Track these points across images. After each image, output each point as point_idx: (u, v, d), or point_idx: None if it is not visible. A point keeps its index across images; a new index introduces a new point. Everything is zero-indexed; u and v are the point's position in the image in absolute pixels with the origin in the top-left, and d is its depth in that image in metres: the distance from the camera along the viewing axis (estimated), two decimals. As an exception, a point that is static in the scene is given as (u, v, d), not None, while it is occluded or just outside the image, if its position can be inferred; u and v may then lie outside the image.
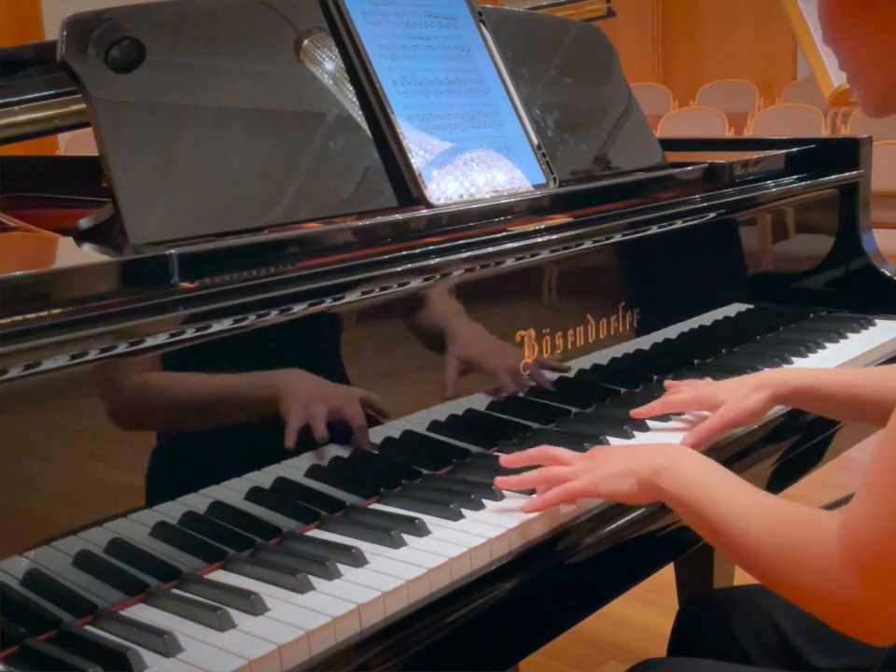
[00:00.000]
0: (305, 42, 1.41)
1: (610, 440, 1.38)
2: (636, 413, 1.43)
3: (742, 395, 1.37)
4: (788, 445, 1.54)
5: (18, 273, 0.98)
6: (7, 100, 1.64)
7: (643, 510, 1.23)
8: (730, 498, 1.05)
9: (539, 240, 1.43)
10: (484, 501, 1.20)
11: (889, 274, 2.03)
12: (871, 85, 1.01)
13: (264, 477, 1.14)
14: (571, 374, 1.51)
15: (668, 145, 1.92)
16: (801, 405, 1.43)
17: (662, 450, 1.20)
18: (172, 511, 1.07)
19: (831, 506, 2.63)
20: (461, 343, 1.34)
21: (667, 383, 1.49)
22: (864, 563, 0.90)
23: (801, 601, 0.98)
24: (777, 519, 1.00)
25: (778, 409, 1.48)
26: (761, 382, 1.39)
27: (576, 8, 2.17)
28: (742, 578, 1.67)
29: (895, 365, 1.47)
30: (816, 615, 0.98)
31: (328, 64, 1.41)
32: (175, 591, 1.05)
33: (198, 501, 1.09)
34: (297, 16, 1.42)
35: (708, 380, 1.48)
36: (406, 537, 1.12)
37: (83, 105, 1.21)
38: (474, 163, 1.47)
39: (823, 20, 1.02)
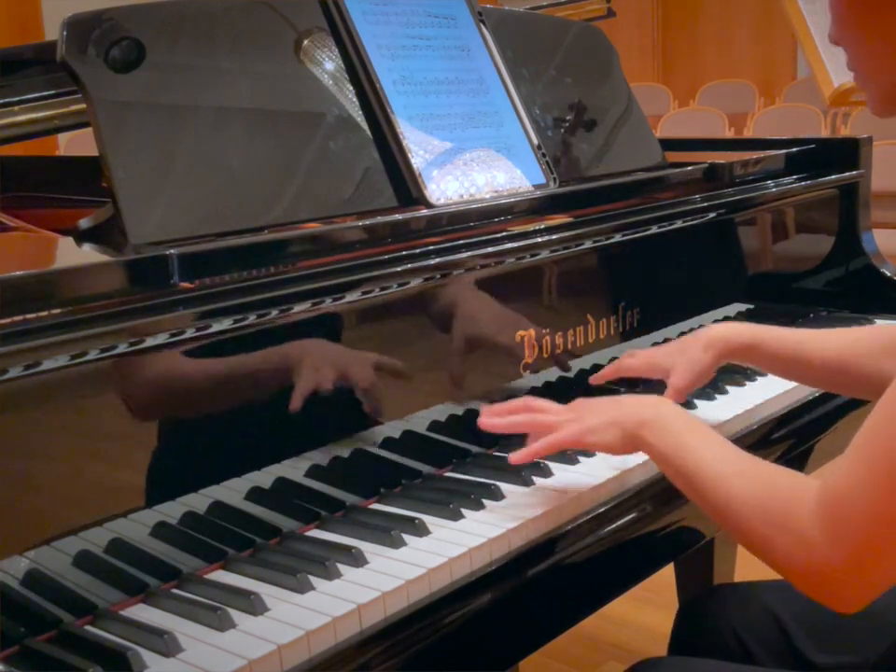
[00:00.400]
0: (305, 42, 1.41)
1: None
2: (592, 378, 1.44)
3: (691, 356, 1.37)
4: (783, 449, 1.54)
5: (18, 272, 0.98)
6: (7, 100, 1.64)
7: (643, 510, 1.23)
8: (714, 457, 1.05)
9: (539, 240, 1.43)
10: (484, 501, 1.20)
11: (888, 274, 2.03)
12: (880, 84, 1.01)
13: (264, 477, 1.14)
14: (571, 374, 1.51)
15: (668, 145, 1.92)
16: (747, 361, 1.43)
17: (647, 402, 1.19)
18: (172, 510, 1.07)
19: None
20: (462, 341, 1.34)
21: (626, 352, 1.48)
22: (841, 531, 0.89)
23: (777, 565, 0.98)
24: (763, 481, 1.00)
25: (771, 413, 1.48)
26: (708, 341, 1.38)
27: (576, 8, 2.17)
28: (742, 576, 1.67)
29: (849, 329, 1.44)
30: (790, 580, 0.97)
31: (328, 64, 1.41)
32: (175, 591, 1.05)
33: (198, 501, 1.09)
34: (297, 16, 1.42)
35: (648, 350, 1.47)
36: (406, 537, 1.12)
37: (83, 105, 1.21)
38: (474, 163, 1.47)
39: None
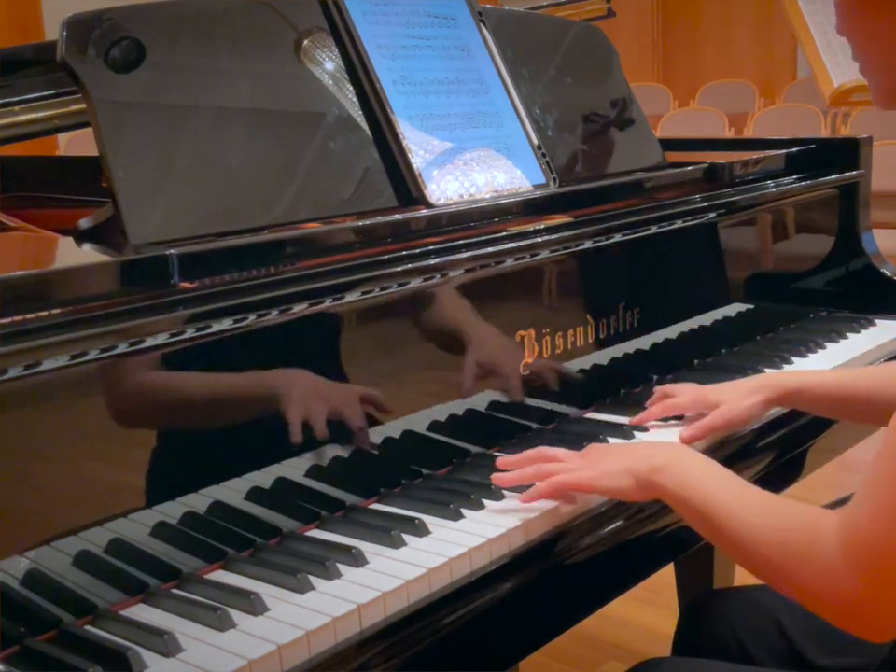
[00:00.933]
0: (305, 42, 1.41)
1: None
2: (635, 420, 1.43)
3: (739, 396, 1.39)
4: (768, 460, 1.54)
5: (18, 272, 0.98)
6: (7, 100, 1.64)
7: (642, 509, 1.23)
8: (730, 495, 1.05)
9: (539, 240, 1.43)
10: (484, 501, 1.20)
11: (888, 274, 2.03)
12: (885, 76, 1.01)
13: (264, 477, 1.14)
14: (571, 374, 1.51)
15: (668, 145, 1.92)
16: (797, 406, 1.45)
17: (660, 447, 1.20)
18: (172, 510, 1.07)
19: (831, 506, 2.63)
20: (463, 342, 1.34)
21: (659, 389, 1.47)
22: (864, 561, 0.90)
23: (801, 598, 0.98)
24: (779, 516, 1.00)
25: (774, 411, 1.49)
26: (758, 384, 1.41)
27: (576, 8, 2.18)
28: (742, 578, 1.67)
29: (892, 363, 1.47)
30: (816, 612, 0.98)
31: (328, 64, 1.41)
32: (175, 591, 1.05)
33: (198, 501, 1.09)
34: (297, 16, 1.42)
35: (696, 385, 1.46)
36: (406, 537, 1.12)
37: (83, 105, 1.21)
38: (474, 163, 1.47)
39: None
